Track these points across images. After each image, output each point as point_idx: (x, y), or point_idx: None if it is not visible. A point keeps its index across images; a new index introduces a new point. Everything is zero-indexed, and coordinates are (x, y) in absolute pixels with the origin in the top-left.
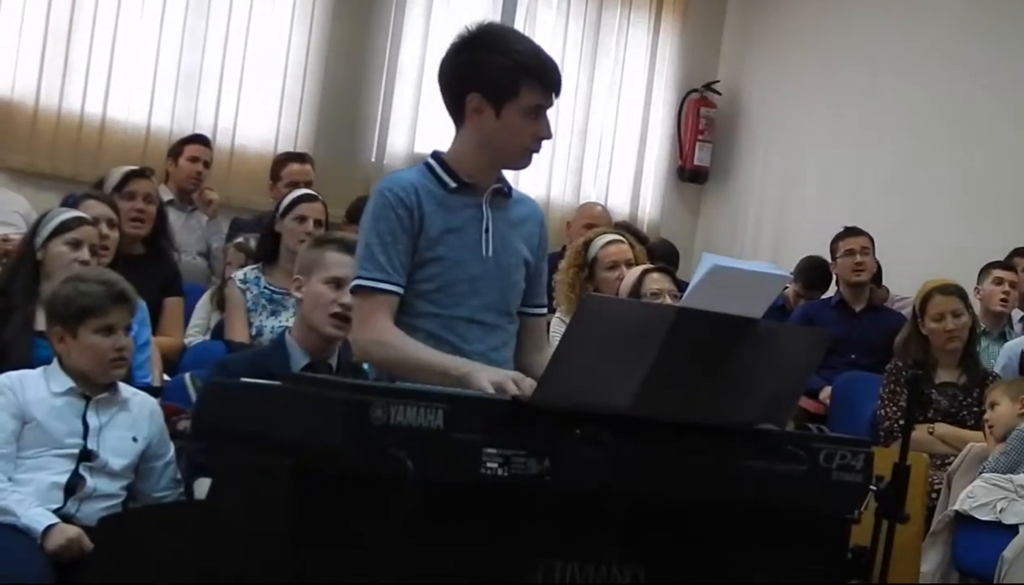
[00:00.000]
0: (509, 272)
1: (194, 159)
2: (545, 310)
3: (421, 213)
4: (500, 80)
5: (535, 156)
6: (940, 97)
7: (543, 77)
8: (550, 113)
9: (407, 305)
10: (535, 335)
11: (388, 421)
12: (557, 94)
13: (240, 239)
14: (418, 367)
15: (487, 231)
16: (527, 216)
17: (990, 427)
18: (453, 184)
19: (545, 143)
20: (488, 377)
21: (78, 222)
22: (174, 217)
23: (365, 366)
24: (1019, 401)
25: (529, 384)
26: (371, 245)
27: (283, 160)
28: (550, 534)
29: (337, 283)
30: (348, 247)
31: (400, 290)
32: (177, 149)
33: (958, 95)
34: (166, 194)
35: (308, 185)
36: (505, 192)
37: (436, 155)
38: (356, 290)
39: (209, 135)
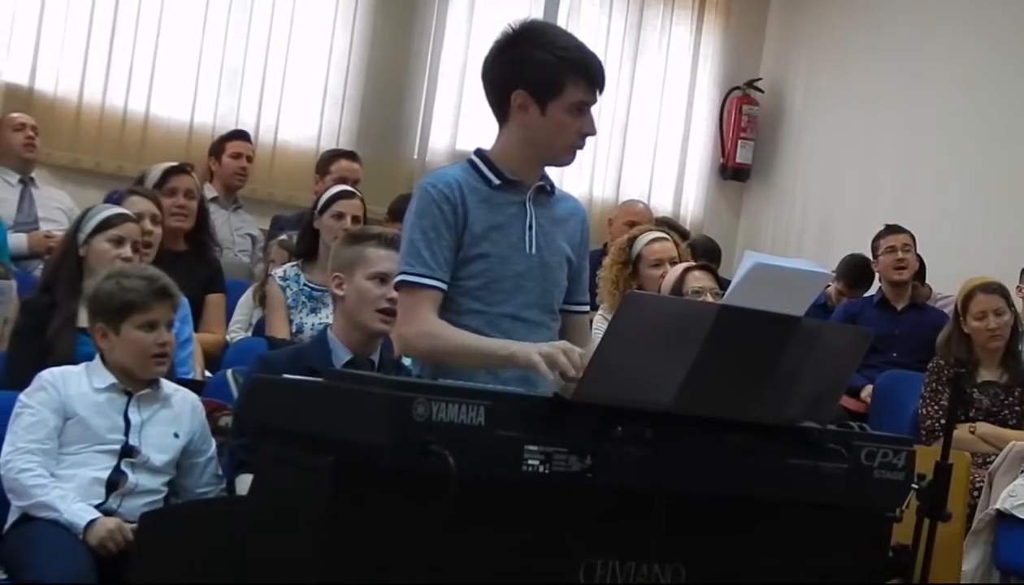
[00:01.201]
0: (552, 269)
1: (237, 155)
2: (588, 307)
3: (465, 210)
4: (545, 77)
5: (578, 156)
6: (983, 93)
7: (587, 73)
8: (593, 110)
9: (451, 302)
10: (579, 332)
11: (430, 418)
12: (601, 90)
13: (284, 236)
14: (465, 353)
15: (531, 228)
16: (570, 214)
17: None
18: (497, 181)
19: (588, 140)
20: (537, 350)
21: (121, 219)
22: (218, 214)
23: (407, 362)
24: None
25: (579, 352)
26: (415, 240)
27: (332, 156)
28: (591, 532)
29: (382, 278)
30: (388, 241)
31: (444, 285)
32: (219, 146)
33: (1002, 91)
34: (210, 192)
35: (356, 183)
36: (548, 190)
37: (480, 152)
38: (400, 285)
39: (251, 132)
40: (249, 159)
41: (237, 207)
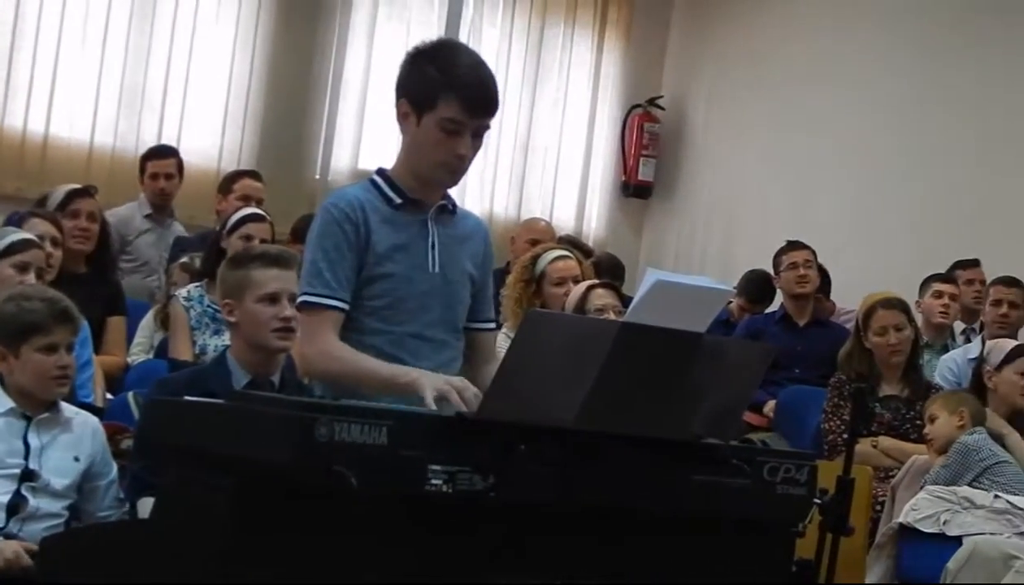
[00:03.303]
0: (456, 288)
1: (154, 176)
2: (493, 325)
3: (368, 229)
4: (422, 89)
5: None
6: (881, 113)
7: (463, 95)
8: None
9: (356, 323)
10: (483, 349)
11: (333, 438)
12: (480, 116)
13: (185, 259)
14: (365, 378)
15: (433, 247)
16: (472, 232)
17: (930, 441)
18: (398, 200)
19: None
20: (431, 384)
21: (27, 244)
22: (148, 235)
23: (307, 382)
24: (957, 414)
25: (472, 392)
26: (317, 261)
27: (235, 175)
28: (496, 550)
29: (272, 298)
30: (271, 259)
31: (345, 306)
32: (141, 166)
33: (898, 112)
34: (144, 208)
35: (259, 202)
36: (450, 209)
37: (381, 172)
38: (302, 306)
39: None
40: (168, 177)
41: (168, 224)
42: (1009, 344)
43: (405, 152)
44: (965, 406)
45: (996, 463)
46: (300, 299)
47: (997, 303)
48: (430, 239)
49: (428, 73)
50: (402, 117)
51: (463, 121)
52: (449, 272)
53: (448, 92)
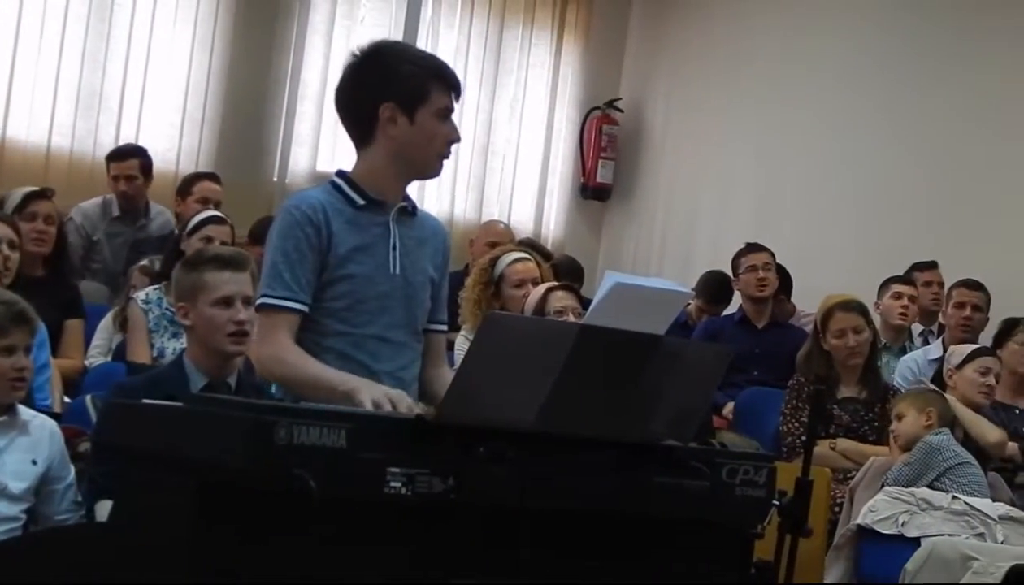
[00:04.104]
0: (417, 289)
1: (116, 178)
2: (445, 327)
3: (329, 231)
4: (410, 85)
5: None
6: (837, 116)
7: (447, 79)
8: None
9: (316, 325)
10: (434, 351)
11: (291, 441)
12: (458, 97)
13: (145, 261)
14: (311, 384)
15: (395, 249)
16: (432, 234)
17: (895, 438)
18: (361, 201)
19: (448, 161)
20: (370, 394)
21: None
22: (117, 235)
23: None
24: (925, 413)
25: (407, 404)
26: (277, 263)
27: (194, 178)
28: (456, 552)
29: (226, 302)
30: (225, 262)
31: (304, 308)
32: (106, 167)
33: (854, 114)
34: (114, 209)
35: (218, 205)
36: (410, 211)
37: (341, 174)
38: (260, 308)
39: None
40: (129, 179)
41: (141, 226)
42: (971, 346)
43: (387, 156)
44: (933, 406)
45: (958, 464)
46: (259, 300)
47: (960, 306)
48: (391, 240)
49: (406, 70)
50: (387, 122)
51: (452, 106)
52: (410, 274)
53: (435, 81)
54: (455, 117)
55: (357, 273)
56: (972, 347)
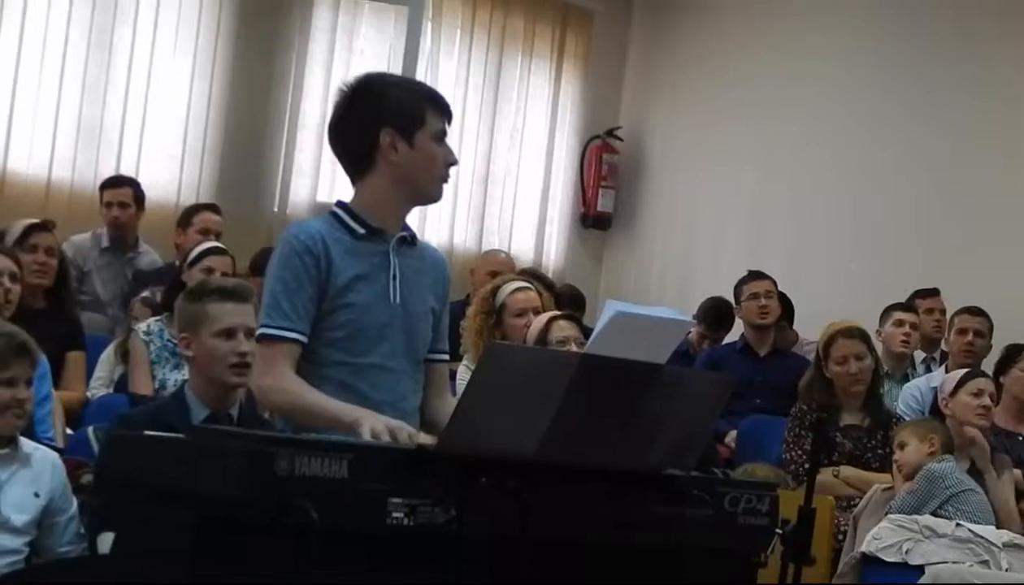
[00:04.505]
0: (417, 319)
1: (109, 205)
2: (447, 356)
3: (328, 261)
4: (406, 110)
5: (438, 205)
6: (838, 144)
7: (439, 102)
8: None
9: (316, 355)
10: (436, 380)
11: (293, 472)
12: (450, 121)
13: (146, 293)
14: (313, 414)
15: (395, 278)
16: (432, 264)
17: (899, 467)
18: (361, 231)
19: (448, 191)
20: (370, 425)
21: None
22: (107, 268)
23: (267, 415)
24: (927, 441)
25: (407, 434)
26: (276, 293)
27: (194, 209)
28: (457, 583)
29: (228, 333)
30: (228, 293)
31: (304, 338)
32: (100, 196)
33: (854, 142)
34: (103, 241)
35: (218, 236)
36: (410, 241)
37: (341, 204)
38: (260, 338)
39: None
40: (122, 206)
41: (130, 259)
42: (960, 372)
43: (389, 183)
44: (935, 434)
45: (962, 491)
46: (259, 331)
47: (962, 332)
48: (392, 270)
49: (398, 95)
50: (387, 148)
51: (446, 128)
52: (409, 304)
53: (428, 104)
54: (451, 143)
55: (357, 302)
56: (962, 372)
